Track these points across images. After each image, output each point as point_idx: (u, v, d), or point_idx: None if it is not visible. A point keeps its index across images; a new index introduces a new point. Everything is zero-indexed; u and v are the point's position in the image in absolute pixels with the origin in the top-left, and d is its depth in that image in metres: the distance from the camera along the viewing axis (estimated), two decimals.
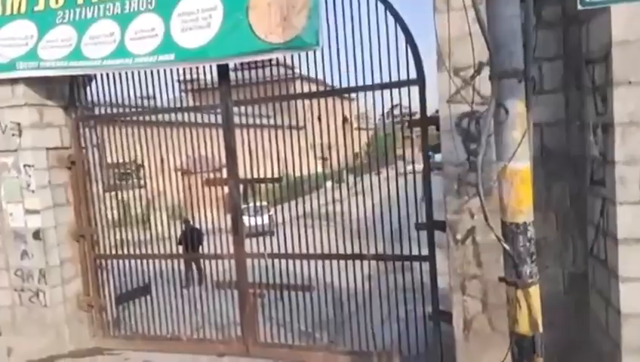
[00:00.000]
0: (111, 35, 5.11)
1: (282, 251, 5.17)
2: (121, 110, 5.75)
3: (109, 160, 5.95)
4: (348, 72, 4.66)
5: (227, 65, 5.04)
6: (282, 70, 5.51)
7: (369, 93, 4.67)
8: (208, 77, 5.37)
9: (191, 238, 6.92)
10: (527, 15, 2.68)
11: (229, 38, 4.64)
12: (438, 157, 4.71)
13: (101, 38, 5.13)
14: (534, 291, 2.64)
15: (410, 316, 4.70)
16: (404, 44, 4.40)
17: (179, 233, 7.38)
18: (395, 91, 4.53)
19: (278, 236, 5.17)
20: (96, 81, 5.74)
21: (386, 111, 5.09)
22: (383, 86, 4.55)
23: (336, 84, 4.79)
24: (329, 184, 5.56)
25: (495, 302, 3.70)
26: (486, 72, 3.52)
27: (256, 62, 5.32)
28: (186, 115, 5.45)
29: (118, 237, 5.84)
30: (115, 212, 5.92)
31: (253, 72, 5.93)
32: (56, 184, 5.65)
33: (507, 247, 2.64)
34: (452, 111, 3.72)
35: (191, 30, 4.81)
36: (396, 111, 5.35)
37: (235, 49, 4.63)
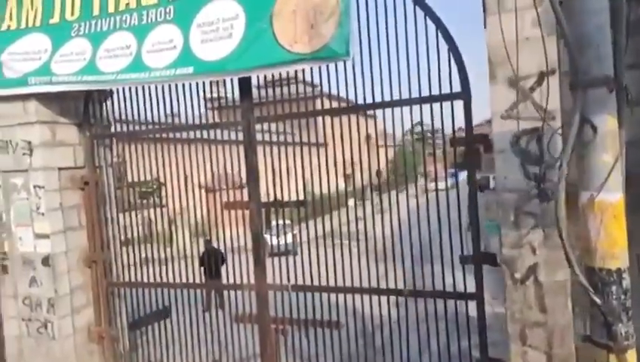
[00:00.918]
0: (127, 48, 4.78)
1: (307, 281, 4.66)
2: (138, 128, 5.38)
3: (129, 178, 5.63)
4: (382, 85, 4.19)
5: (249, 78, 4.63)
6: (306, 87, 5.11)
7: (405, 109, 4.18)
8: (233, 94, 4.99)
9: (211, 261, 6.49)
10: (617, 8, 2.13)
11: (252, 49, 4.23)
12: (462, 175, 4.14)
13: (117, 51, 4.80)
14: (632, 356, 2.07)
15: None
16: (447, 53, 3.90)
17: (201, 252, 7.01)
18: (436, 106, 4.02)
19: (302, 258, 4.64)
20: (112, 98, 5.42)
21: (414, 127, 4.60)
22: (422, 100, 4.05)
23: (366, 98, 4.30)
24: (352, 202, 5.02)
25: (562, 355, 3.10)
26: (553, 80, 3.01)
27: (280, 78, 4.91)
28: (207, 132, 5.05)
29: (136, 258, 5.45)
30: (134, 232, 5.53)
31: (276, 89, 5.53)
32: (68, 206, 5.30)
33: (598, 300, 2.07)
34: (508, 128, 3.18)
35: (211, 41, 4.43)
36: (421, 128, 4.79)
37: (258, 60, 4.21)
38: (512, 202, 3.20)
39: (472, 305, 3.97)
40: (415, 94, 4.09)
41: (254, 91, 4.74)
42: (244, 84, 4.67)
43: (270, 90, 4.88)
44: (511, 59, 3.00)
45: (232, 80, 4.69)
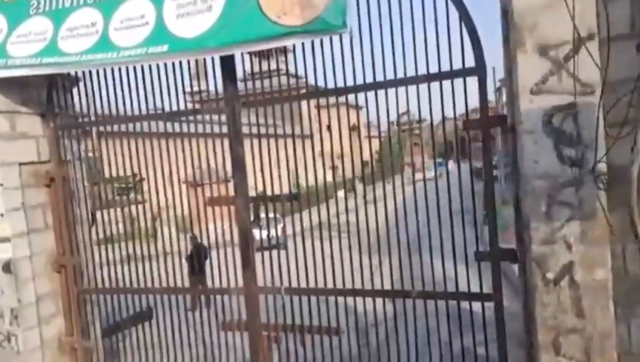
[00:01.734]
0: (92, 26, 4.20)
1: (300, 280, 4.16)
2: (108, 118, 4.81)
3: (105, 173, 5.07)
4: (384, 62, 3.72)
5: (233, 59, 4.11)
6: (291, 81, 4.61)
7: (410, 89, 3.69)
8: (216, 87, 4.45)
9: (197, 258, 6.07)
10: None
11: (234, 23, 3.70)
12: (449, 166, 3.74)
13: (80, 30, 4.22)
14: None
15: None
16: (459, 23, 3.43)
17: (183, 247, 6.45)
18: (446, 84, 3.55)
19: (295, 253, 4.13)
20: (78, 86, 4.84)
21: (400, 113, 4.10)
22: (429, 78, 3.57)
23: (363, 77, 3.82)
24: (340, 193, 4.55)
25: None
26: (592, 47, 2.56)
27: (261, 71, 4.40)
28: (187, 123, 4.51)
29: (115, 258, 4.91)
30: (113, 230, 4.99)
31: (259, 82, 5.00)
32: (32, 205, 4.73)
33: None
34: (538, 104, 2.72)
35: (188, 15, 3.88)
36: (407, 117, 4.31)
37: (241, 35, 3.68)
38: (544, 190, 2.76)
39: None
40: (419, 71, 3.61)
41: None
42: (227, 65, 4.14)
43: (253, 83, 4.37)
44: (542, 24, 2.54)
45: (213, 65, 4.17)
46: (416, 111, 3.72)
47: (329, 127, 4.23)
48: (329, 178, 4.56)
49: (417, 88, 3.61)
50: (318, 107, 3.81)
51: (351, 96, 3.93)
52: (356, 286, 4.06)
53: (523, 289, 3.57)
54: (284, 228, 7.24)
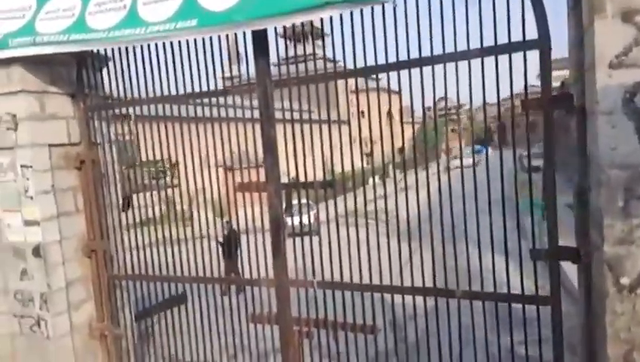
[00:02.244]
0: (120, 1, 4.01)
1: (335, 274, 3.87)
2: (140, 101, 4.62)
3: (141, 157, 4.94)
4: (431, 37, 3.34)
5: (265, 33, 3.81)
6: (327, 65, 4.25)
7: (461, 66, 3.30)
8: (248, 72, 4.18)
9: (230, 244, 5.94)
10: None
11: None
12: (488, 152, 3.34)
13: (109, 5, 4.03)
14: None
15: None
16: None
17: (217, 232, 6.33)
18: (502, 60, 3.14)
19: (329, 246, 3.83)
20: (108, 66, 4.67)
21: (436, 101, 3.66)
22: (483, 52, 3.16)
23: (407, 53, 3.45)
24: (376, 179, 4.19)
25: None
26: None
27: (298, 56, 4.07)
28: (217, 103, 4.26)
29: (149, 241, 4.79)
30: (148, 214, 4.87)
31: (293, 68, 4.68)
32: (62, 188, 4.62)
33: None
34: (618, 80, 2.30)
35: None
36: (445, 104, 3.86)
37: (274, 7, 3.38)
38: (621, 182, 2.34)
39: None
40: (471, 44, 3.20)
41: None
42: (259, 43, 3.85)
43: (287, 68, 4.04)
44: None
45: (246, 49, 3.89)
46: (466, 91, 3.31)
47: (364, 113, 3.88)
48: (364, 164, 4.19)
49: (469, 64, 3.21)
50: (357, 91, 3.53)
51: (390, 80, 3.57)
52: (393, 280, 3.72)
53: (584, 293, 3.16)
54: (317, 215, 6.95)
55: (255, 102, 3.91)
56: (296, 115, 4.00)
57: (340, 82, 4.11)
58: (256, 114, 3.91)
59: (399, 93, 4.06)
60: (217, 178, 4.45)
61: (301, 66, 4.64)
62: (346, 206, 3.89)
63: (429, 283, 3.58)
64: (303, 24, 3.70)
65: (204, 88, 4.16)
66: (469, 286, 3.51)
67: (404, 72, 3.51)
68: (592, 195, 2.72)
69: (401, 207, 3.65)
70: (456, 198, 3.46)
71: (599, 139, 2.39)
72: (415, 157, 4.12)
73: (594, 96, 2.41)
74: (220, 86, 5.13)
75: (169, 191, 5.16)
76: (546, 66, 2.99)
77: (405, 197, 3.65)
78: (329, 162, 3.92)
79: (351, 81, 3.97)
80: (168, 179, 5.66)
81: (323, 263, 3.91)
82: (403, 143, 4.30)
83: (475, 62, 3.20)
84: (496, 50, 3.12)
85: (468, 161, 3.75)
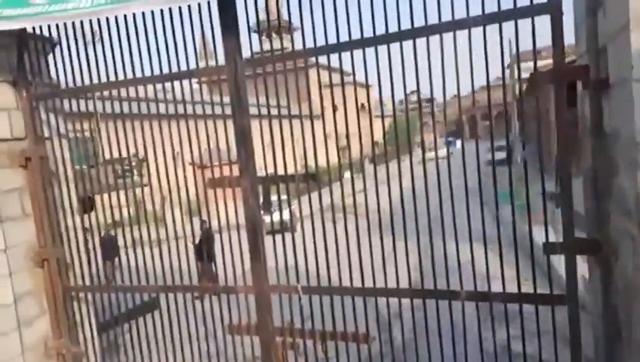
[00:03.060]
0: None
1: (322, 275, 3.44)
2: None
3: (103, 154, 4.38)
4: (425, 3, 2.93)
5: (234, 5, 3.33)
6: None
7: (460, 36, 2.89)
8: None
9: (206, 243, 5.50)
10: None
11: None
12: (458, 145, 3.04)
13: None
14: None
15: None
16: None
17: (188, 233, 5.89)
18: (506, 27, 2.75)
19: (315, 247, 3.40)
20: (54, 51, 4.10)
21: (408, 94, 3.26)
22: (486, 19, 2.77)
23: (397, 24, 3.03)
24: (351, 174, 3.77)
25: None
26: None
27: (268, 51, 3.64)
28: (180, 104, 3.76)
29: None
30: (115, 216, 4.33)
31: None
32: (5, 190, 4.04)
33: None
34: None
35: None
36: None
37: None
38: None
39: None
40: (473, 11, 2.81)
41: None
42: (226, 14, 3.36)
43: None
44: None
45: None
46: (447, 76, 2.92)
47: (337, 107, 3.47)
48: (337, 159, 3.75)
49: (469, 33, 2.81)
50: (331, 84, 3.18)
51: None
52: (378, 279, 3.31)
53: (601, 291, 2.82)
54: (295, 211, 6.56)
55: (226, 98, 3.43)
56: (266, 110, 3.56)
57: (313, 76, 3.68)
58: (228, 110, 3.43)
59: (369, 83, 3.62)
60: (190, 175, 3.96)
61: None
62: (321, 202, 3.47)
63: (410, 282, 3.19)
64: (275, 18, 3.31)
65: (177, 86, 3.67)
66: (461, 286, 3.12)
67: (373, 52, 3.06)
68: (617, 179, 2.36)
69: (382, 201, 3.26)
70: (432, 188, 3.08)
71: (636, 112, 2.02)
72: (397, 149, 3.68)
73: (625, 63, 2.03)
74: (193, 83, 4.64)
75: (137, 190, 4.64)
76: (558, 33, 2.61)
77: (388, 189, 3.25)
78: (304, 157, 3.49)
79: (325, 76, 3.54)
80: (136, 177, 5.13)
81: (308, 265, 3.47)
82: (374, 137, 3.90)
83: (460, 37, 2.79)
84: (500, 16, 2.73)
85: (441, 153, 3.44)
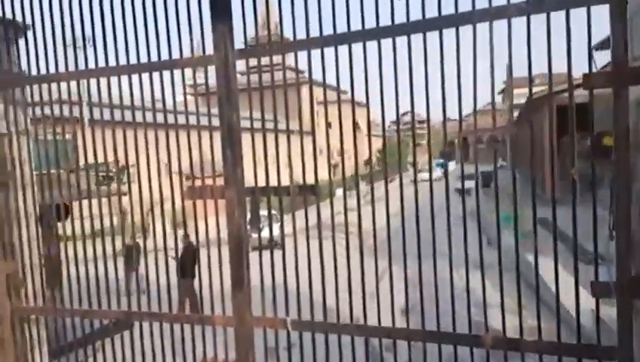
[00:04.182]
0: None
1: (315, 306, 2.88)
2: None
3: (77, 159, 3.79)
4: None
5: None
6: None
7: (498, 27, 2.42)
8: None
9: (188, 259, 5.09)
10: None
11: None
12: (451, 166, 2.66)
13: None
14: None
15: None
16: None
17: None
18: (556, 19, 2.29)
19: (309, 265, 2.85)
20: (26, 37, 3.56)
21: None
22: (532, 6, 2.30)
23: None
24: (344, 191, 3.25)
25: None
26: None
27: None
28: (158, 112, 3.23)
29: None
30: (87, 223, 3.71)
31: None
32: None
33: None
34: None
35: None
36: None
37: None
38: None
39: None
40: None
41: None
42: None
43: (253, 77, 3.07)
44: None
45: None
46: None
47: (331, 124, 3.00)
48: (330, 175, 3.23)
49: (509, 24, 2.34)
50: (325, 100, 2.81)
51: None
52: (387, 317, 2.77)
53: None
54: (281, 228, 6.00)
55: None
56: (259, 124, 3.06)
57: (305, 92, 3.20)
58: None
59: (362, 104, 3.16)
60: (176, 185, 3.41)
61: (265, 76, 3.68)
62: (319, 218, 2.93)
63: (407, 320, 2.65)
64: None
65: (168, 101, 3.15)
66: (487, 327, 2.59)
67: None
68: None
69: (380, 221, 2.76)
70: (424, 210, 2.61)
71: None
72: (402, 164, 3.20)
73: None
74: (182, 93, 4.12)
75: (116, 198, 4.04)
76: (620, 27, 2.15)
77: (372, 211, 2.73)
78: (294, 173, 2.99)
79: (318, 92, 3.05)
80: (114, 185, 4.54)
81: (299, 289, 2.91)
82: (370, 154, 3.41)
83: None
84: (548, 3, 2.26)
85: (433, 174, 3.07)
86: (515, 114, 25.31)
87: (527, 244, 2.75)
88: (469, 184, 3.21)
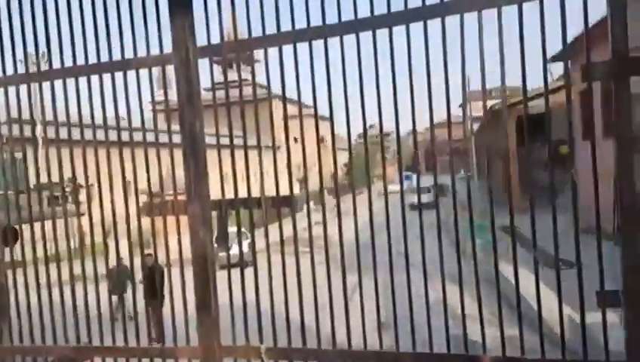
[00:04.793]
0: None
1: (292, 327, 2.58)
2: None
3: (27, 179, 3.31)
4: None
5: None
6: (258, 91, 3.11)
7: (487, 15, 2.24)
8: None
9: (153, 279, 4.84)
10: None
11: None
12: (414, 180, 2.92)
13: None
14: None
15: None
16: None
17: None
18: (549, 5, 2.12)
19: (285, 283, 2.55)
20: None
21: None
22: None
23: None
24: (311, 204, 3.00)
25: None
26: None
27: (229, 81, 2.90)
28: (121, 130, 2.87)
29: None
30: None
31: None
32: None
33: None
34: None
35: None
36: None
37: None
38: None
39: None
40: None
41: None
42: None
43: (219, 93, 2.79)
44: None
45: None
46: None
47: (296, 139, 2.79)
48: (297, 189, 2.99)
49: (499, 12, 2.15)
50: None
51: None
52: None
53: None
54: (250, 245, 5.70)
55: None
56: (226, 140, 2.77)
57: (276, 107, 2.94)
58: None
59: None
60: (133, 204, 3.02)
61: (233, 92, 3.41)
62: (296, 234, 2.64)
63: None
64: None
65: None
66: (483, 348, 2.37)
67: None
68: None
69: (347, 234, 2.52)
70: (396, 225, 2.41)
71: None
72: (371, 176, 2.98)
73: None
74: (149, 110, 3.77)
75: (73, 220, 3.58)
76: (620, 15, 2.00)
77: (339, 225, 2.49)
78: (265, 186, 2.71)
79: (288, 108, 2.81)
80: (71, 205, 4.07)
81: (273, 311, 2.59)
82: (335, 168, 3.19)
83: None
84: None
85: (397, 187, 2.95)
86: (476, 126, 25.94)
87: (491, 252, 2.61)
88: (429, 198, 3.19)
